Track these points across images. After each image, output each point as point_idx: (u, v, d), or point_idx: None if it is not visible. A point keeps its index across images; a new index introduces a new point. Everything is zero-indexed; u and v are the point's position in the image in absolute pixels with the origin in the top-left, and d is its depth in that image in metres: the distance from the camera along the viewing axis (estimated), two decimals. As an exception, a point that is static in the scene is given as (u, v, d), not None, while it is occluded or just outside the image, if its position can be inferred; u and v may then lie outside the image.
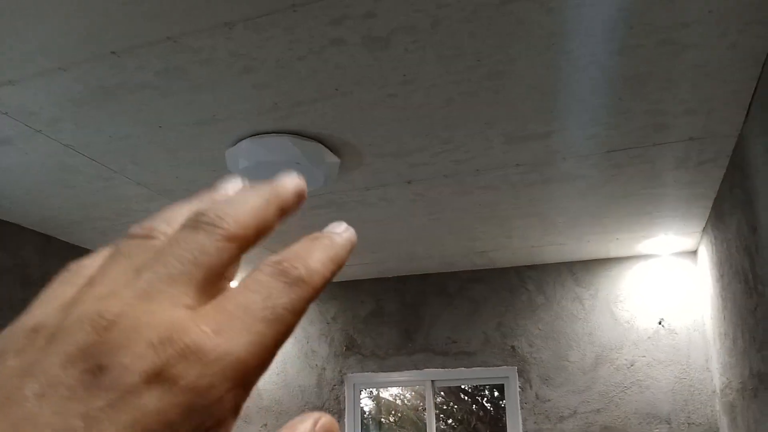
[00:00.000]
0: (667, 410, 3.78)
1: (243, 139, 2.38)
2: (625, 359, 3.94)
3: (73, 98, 2.10)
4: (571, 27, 1.77)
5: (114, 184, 2.82)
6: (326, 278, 0.24)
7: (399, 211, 3.22)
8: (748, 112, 2.27)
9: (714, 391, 3.71)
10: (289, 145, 2.31)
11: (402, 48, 1.85)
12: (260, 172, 2.43)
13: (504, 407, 4.20)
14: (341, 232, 0.27)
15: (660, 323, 3.93)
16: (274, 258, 0.24)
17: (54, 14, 1.68)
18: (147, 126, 2.30)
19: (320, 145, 2.41)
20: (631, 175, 2.79)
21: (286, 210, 0.26)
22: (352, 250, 0.27)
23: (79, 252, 3.75)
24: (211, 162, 2.61)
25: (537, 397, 4.04)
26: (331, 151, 2.49)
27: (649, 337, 3.93)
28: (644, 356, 3.90)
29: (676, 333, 3.89)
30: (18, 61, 1.89)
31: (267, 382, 4.72)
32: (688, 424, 3.72)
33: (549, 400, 4.01)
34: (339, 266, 0.25)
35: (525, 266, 4.30)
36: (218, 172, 2.70)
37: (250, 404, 4.71)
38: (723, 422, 3.52)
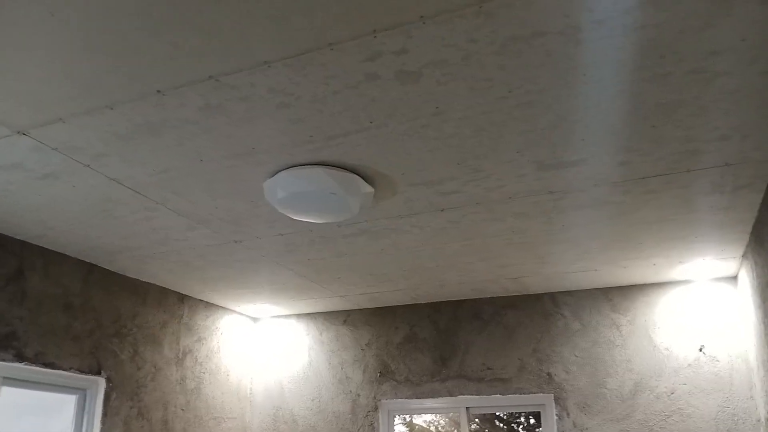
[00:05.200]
0: (710, 440, 3.67)
1: (280, 171, 2.45)
2: (665, 387, 3.85)
3: (119, 134, 2.20)
4: (601, 57, 1.80)
5: (155, 214, 2.92)
6: None
7: (432, 238, 3.25)
8: (784, 137, 2.24)
9: (759, 420, 3.59)
10: (324, 176, 2.37)
11: (434, 81, 1.90)
12: (297, 202, 2.49)
13: (540, 436, 4.13)
14: None
15: (701, 350, 3.84)
16: None
17: (102, 56, 1.77)
18: (188, 159, 2.38)
19: (355, 175, 2.46)
20: (665, 201, 2.77)
21: None
22: None
23: (120, 280, 3.86)
24: (248, 193, 2.69)
25: (575, 425, 3.97)
26: (365, 181, 2.54)
27: (689, 365, 3.84)
28: (685, 384, 3.81)
29: (717, 360, 3.79)
30: (67, 100, 2.00)
31: (302, 407, 4.74)
32: (733, 455, 3.61)
33: (587, 429, 3.94)
34: None
35: (560, 292, 4.26)
36: (255, 202, 2.78)
37: (285, 430, 4.74)
38: (770, 453, 3.40)
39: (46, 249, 3.40)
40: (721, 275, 3.89)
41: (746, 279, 3.52)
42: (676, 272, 3.82)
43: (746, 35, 1.71)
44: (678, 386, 3.82)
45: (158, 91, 1.94)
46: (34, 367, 3.26)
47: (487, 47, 1.75)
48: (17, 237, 3.22)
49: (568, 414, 4.00)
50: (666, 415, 3.80)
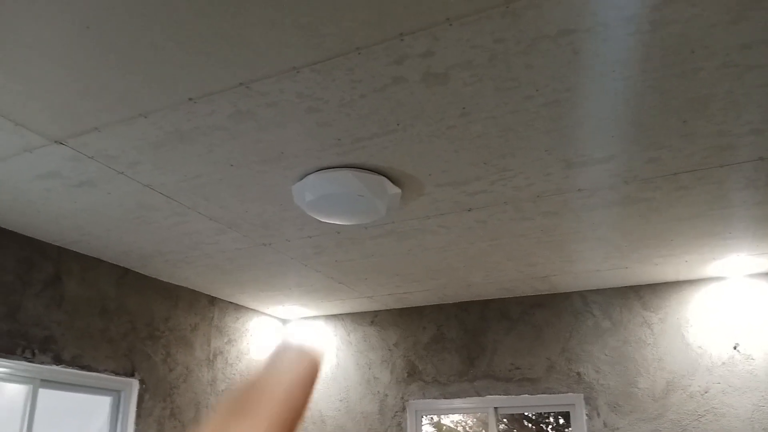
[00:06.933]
0: (746, 440, 3.60)
1: (308, 174, 2.48)
2: (699, 386, 3.79)
3: (152, 142, 2.25)
4: (629, 54, 1.78)
5: (187, 219, 2.97)
6: None
7: (459, 238, 3.25)
8: (819, 130, 2.20)
9: (797, 420, 3.52)
10: (352, 179, 2.39)
11: (460, 82, 1.91)
12: (325, 205, 2.52)
13: (572, 435, 4.09)
14: None
15: (735, 348, 3.78)
16: None
17: (135, 66, 1.82)
18: (218, 165, 2.42)
19: (382, 177, 2.47)
20: (697, 197, 2.74)
21: None
22: None
23: (152, 283, 3.93)
24: (277, 196, 2.72)
25: (605, 425, 3.93)
26: (393, 182, 2.55)
27: (723, 363, 3.78)
28: (719, 383, 3.75)
29: (753, 358, 3.72)
30: (102, 110, 2.05)
31: (330, 408, 4.77)
32: (771, 454, 3.54)
33: (618, 429, 3.89)
34: None
35: (589, 290, 4.22)
36: (284, 205, 2.81)
37: (313, 430, 4.77)
38: (809, 453, 3.33)
39: (82, 254, 3.48)
40: (755, 271, 3.81)
41: (781, 275, 3.45)
42: (709, 269, 3.76)
43: (779, 28, 1.68)
44: (712, 385, 3.76)
45: (190, 99, 1.98)
46: (70, 370, 3.34)
47: (514, 47, 1.75)
48: (54, 243, 3.31)
49: (598, 414, 3.97)
50: (699, 415, 3.74)
